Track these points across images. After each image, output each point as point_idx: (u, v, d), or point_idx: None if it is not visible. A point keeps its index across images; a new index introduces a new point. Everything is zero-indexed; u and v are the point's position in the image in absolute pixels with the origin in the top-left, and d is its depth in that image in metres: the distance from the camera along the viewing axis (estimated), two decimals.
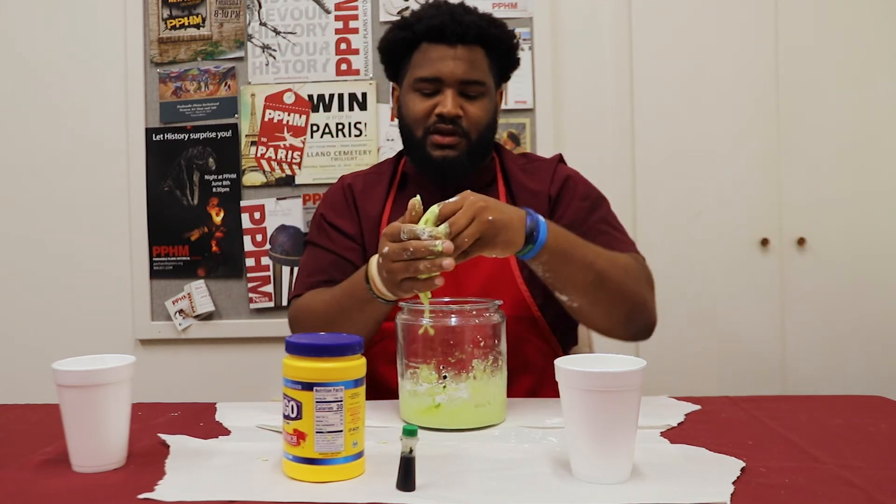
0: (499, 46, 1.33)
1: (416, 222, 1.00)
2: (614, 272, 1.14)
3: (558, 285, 1.13)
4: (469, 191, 1.03)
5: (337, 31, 2.29)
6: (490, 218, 1.00)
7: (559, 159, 1.42)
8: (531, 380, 1.30)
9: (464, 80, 1.28)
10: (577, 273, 1.11)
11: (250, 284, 2.30)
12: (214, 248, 2.31)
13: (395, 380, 1.08)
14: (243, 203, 2.30)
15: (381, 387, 1.26)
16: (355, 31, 2.29)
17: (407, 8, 2.27)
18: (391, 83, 1.41)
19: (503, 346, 1.05)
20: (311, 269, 1.35)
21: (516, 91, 2.26)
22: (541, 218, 1.07)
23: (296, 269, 2.28)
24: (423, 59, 1.30)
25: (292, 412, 0.81)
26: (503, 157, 1.41)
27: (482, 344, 1.02)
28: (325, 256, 1.35)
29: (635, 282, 1.18)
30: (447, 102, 1.27)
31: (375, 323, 1.19)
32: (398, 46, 1.34)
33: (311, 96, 2.29)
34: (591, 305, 1.16)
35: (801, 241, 2.30)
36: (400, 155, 1.44)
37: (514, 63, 1.39)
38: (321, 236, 1.37)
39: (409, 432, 0.77)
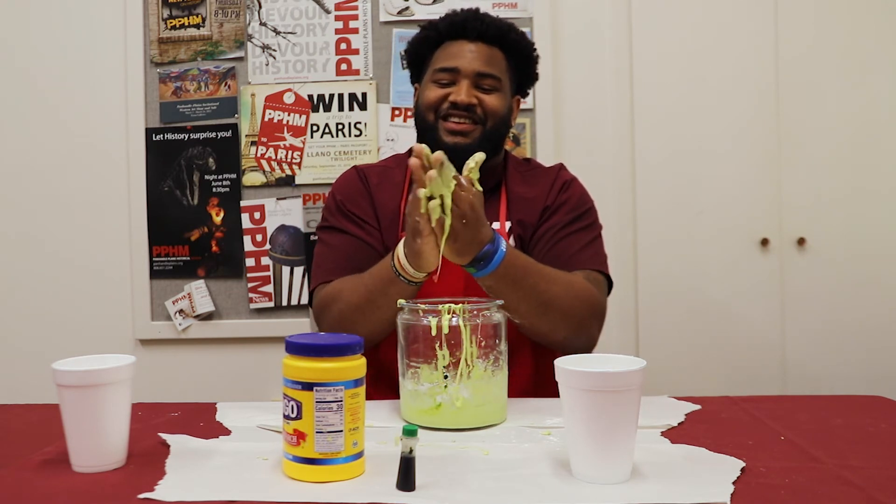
0: (518, 53, 1.39)
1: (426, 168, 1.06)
2: (562, 301, 1.19)
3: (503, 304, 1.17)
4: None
5: (337, 31, 2.29)
6: (475, 212, 1.06)
7: (560, 167, 1.45)
8: (531, 380, 1.30)
9: (480, 72, 1.33)
10: (520, 301, 1.16)
11: (250, 284, 2.30)
12: (214, 248, 2.31)
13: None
14: (243, 203, 2.30)
15: (383, 369, 1.27)
16: (355, 31, 2.28)
17: (407, 8, 2.27)
18: (413, 86, 1.46)
19: (504, 346, 1.05)
20: (335, 256, 1.34)
21: None
22: (502, 247, 1.11)
23: (296, 270, 2.28)
24: (443, 54, 1.36)
25: (292, 412, 0.81)
26: (508, 166, 1.43)
27: (483, 344, 1.02)
28: (348, 242, 1.35)
29: (581, 309, 1.22)
30: (461, 91, 1.32)
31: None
32: (422, 46, 1.40)
33: (311, 96, 2.29)
34: (532, 326, 1.21)
35: (801, 241, 2.30)
36: (410, 151, 1.45)
37: (532, 75, 1.44)
38: (342, 222, 1.37)
39: (409, 432, 0.77)
